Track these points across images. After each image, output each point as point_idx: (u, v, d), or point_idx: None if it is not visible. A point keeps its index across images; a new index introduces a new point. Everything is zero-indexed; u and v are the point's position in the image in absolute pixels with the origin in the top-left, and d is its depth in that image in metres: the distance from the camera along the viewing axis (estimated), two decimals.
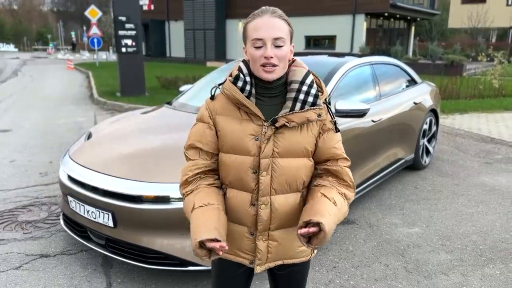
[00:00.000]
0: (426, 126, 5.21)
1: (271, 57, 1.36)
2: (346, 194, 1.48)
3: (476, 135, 7.10)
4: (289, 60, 1.45)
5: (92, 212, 2.80)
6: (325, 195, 1.43)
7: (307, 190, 1.53)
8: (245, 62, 1.47)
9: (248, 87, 1.43)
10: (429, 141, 5.41)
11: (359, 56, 4.49)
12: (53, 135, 7.05)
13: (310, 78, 1.46)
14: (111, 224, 2.72)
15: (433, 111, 5.37)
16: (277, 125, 1.40)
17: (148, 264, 2.68)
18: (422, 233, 3.60)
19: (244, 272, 1.61)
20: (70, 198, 3.00)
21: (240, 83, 1.43)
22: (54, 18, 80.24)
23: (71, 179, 3.02)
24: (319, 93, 1.47)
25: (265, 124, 1.41)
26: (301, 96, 1.42)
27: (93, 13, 19.84)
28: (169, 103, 4.36)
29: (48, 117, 8.67)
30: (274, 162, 1.43)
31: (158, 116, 3.92)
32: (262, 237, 1.50)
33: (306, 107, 1.42)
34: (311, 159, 1.49)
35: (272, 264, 1.56)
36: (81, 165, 3.02)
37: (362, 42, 22.09)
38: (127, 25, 10.68)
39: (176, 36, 30.56)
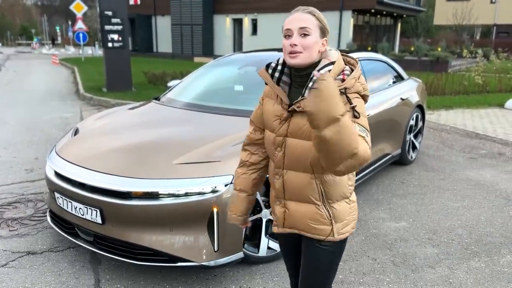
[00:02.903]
0: (412, 122, 5.27)
1: (295, 45, 1.52)
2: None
3: (462, 131, 7.20)
4: (320, 52, 1.56)
5: (80, 208, 2.77)
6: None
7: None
8: None
9: (277, 74, 1.64)
10: (415, 136, 5.47)
11: (347, 52, 4.51)
12: (38, 131, 6.95)
13: (327, 68, 1.53)
14: (99, 220, 2.69)
15: (420, 107, 5.43)
16: (289, 109, 1.58)
17: (137, 260, 2.67)
18: (409, 227, 3.65)
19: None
20: (57, 195, 2.96)
21: (270, 70, 1.66)
22: (38, 12, 78.85)
23: (58, 175, 2.98)
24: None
25: (285, 107, 1.62)
26: (310, 83, 1.53)
27: (78, 7, 19.56)
28: (157, 98, 4.33)
29: (33, 113, 8.54)
30: (286, 141, 1.62)
31: (146, 112, 3.89)
32: (279, 204, 1.72)
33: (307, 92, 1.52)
34: None
35: (288, 230, 1.74)
36: (68, 161, 2.98)
37: (349, 38, 22.20)
38: (113, 20, 10.56)
39: (163, 31, 30.29)
